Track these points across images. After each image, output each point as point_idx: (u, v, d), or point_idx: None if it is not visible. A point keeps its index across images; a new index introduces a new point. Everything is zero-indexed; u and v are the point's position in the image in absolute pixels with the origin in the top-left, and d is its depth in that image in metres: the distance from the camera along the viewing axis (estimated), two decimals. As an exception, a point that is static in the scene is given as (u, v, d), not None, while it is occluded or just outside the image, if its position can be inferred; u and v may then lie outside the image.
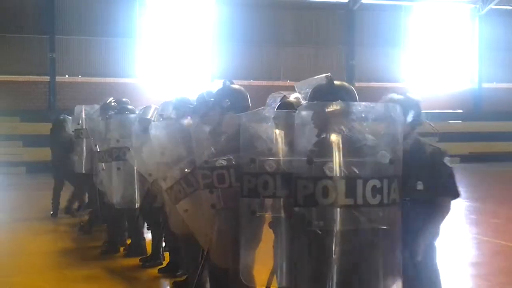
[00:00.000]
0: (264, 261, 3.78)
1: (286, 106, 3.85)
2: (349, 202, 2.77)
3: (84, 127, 8.28)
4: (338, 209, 2.81)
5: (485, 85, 26.21)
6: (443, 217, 3.74)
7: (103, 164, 7.02)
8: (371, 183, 2.78)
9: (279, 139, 3.56)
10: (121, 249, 7.42)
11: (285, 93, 4.09)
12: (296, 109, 3.44)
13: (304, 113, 3.03)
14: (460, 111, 25.95)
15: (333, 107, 2.94)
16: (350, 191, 2.76)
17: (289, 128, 3.49)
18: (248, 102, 4.51)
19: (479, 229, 9.52)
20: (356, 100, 3.21)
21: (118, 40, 22.44)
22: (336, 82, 3.26)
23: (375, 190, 2.78)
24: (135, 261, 6.88)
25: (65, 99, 21.21)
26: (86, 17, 22.21)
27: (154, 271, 6.49)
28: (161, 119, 5.75)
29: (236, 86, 4.58)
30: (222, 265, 4.09)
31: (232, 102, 4.35)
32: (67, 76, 22.31)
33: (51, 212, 10.14)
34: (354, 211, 2.80)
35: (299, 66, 22.91)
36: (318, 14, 24.60)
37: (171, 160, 4.83)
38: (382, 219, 2.84)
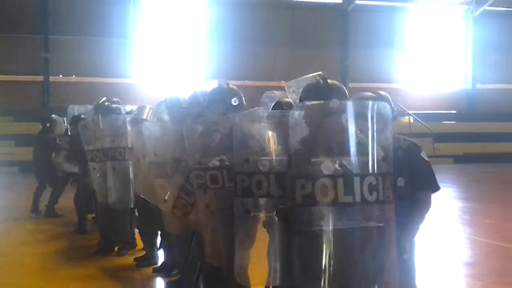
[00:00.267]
0: (259, 261, 3.78)
1: (281, 106, 3.86)
2: (348, 199, 2.78)
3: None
4: (337, 208, 2.81)
5: (479, 86, 26.32)
6: (426, 212, 3.75)
7: (95, 163, 6.99)
8: (368, 180, 2.80)
9: (272, 139, 3.57)
10: (116, 248, 7.41)
11: (277, 92, 4.09)
12: (290, 109, 3.46)
13: (298, 112, 3.03)
14: (454, 111, 26.05)
15: (331, 105, 2.94)
16: (349, 188, 2.77)
17: (283, 128, 3.51)
18: (243, 102, 4.51)
19: (473, 229, 9.55)
20: (347, 99, 3.21)
21: (112, 40, 22.42)
22: (328, 81, 3.27)
23: (372, 187, 2.80)
24: (130, 260, 6.88)
25: (59, 99, 21.16)
26: (80, 17, 22.18)
27: (149, 270, 6.49)
28: (155, 119, 5.75)
29: (231, 86, 4.58)
30: (217, 263, 4.10)
31: (226, 102, 4.36)
32: (61, 76, 22.27)
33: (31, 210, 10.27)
34: (352, 209, 2.81)
35: (293, 66, 22.92)
36: (312, 14, 24.64)
37: (162, 160, 4.83)
38: (378, 217, 2.85)
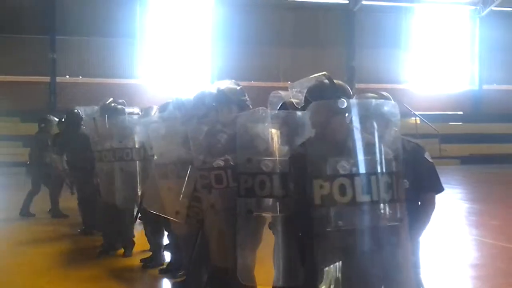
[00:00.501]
0: (265, 261, 3.78)
1: (287, 106, 3.86)
2: (366, 199, 2.79)
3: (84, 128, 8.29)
4: (355, 207, 2.81)
5: (485, 86, 26.25)
6: (431, 213, 3.74)
7: (103, 164, 7.03)
8: (383, 178, 2.82)
9: (276, 139, 3.57)
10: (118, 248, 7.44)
11: (283, 93, 4.09)
12: (296, 110, 3.46)
13: (306, 112, 3.04)
14: (460, 112, 25.98)
15: (342, 105, 2.94)
16: (366, 187, 2.78)
17: (288, 128, 3.51)
18: (248, 102, 4.51)
19: (479, 230, 9.52)
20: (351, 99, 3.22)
21: (118, 40, 22.48)
22: (334, 81, 3.27)
23: (387, 186, 2.82)
24: (136, 261, 6.89)
25: (65, 99, 21.25)
26: (87, 18, 22.26)
27: (155, 271, 6.50)
28: (161, 120, 5.76)
29: (237, 85, 4.57)
30: (222, 265, 4.10)
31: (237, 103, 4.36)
32: (67, 76, 22.35)
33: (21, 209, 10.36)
34: (369, 208, 2.81)
35: (299, 67, 22.91)
36: (319, 15, 24.63)
37: (168, 161, 4.84)
38: (393, 215, 2.86)
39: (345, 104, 2.90)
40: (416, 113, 20.97)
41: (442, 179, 3.77)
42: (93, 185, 8.05)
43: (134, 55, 22.79)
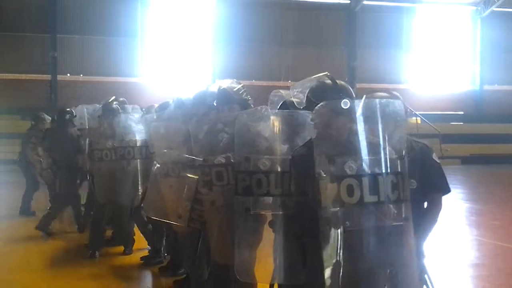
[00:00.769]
0: (264, 259, 3.79)
1: (287, 106, 3.86)
2: (374, 199, 2.78)
3: (87, 127, 8.29)
4: (364, 208, 2.79)
5: (486, 87, 26.25)
6: (438, 214, 3.74)
7: (102, 162, 7.02)
8: (389, 178, 2.81)
9: (276, 138, 3.57)
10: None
11: (284, 92, 4.09)
12: (296, 109, 3.46)
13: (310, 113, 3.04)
14: (461, 112, 25.99)
15: (345, 105, 2.92)
16: (374, 188, 2.77)
17: (289, 128, 3.51)
18: (250, 101, 4.50)
19: (480, 230, 9.53)
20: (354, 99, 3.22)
21: (119, 39, 22.49)
22: (337, 82, 3.27)
23: (393, 186, 2.82)
24: (136, 259, 6.90)
25: (66, 98, 21.23)
26: (88, 16, 22.27)
27: (155, 269, 6.51)
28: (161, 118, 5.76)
29: (238, 84, 4.57)
30: (223, 261, 4.11)
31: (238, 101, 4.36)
32: (68, 75, 22.35)
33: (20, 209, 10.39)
34: (376, 208, 2.81)
35: (301, 66, 22.94)
36: (320, 14, 24.63)
37: (170, 161, 4.84)
38: (399, 215, 2.86)
39: (348, 105, 2.89)
40: (417, 113, 20.94)
41: (443, 179, 3.78)
42: (76, 184, 8.39)
43: (135, 54, 22.80)
